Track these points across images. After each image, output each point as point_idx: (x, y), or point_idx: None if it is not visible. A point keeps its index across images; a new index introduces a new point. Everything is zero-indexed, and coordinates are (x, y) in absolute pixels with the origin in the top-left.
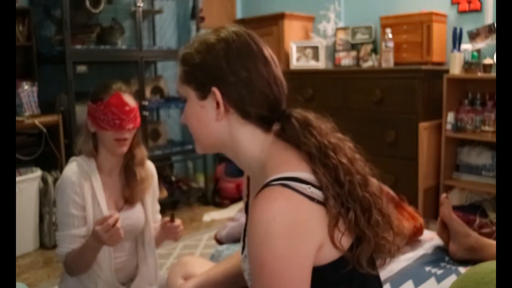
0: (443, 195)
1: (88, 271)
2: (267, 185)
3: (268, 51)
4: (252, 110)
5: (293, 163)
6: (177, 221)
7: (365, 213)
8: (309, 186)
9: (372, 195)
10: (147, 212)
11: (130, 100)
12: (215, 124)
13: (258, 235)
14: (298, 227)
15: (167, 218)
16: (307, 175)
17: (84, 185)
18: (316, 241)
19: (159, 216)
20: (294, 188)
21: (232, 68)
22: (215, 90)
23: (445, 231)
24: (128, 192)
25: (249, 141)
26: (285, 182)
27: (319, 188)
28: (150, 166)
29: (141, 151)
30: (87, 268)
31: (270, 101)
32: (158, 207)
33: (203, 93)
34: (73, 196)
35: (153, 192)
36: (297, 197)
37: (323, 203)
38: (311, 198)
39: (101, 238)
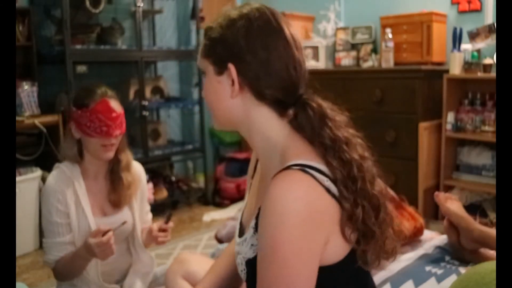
0: (435, 194)
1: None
2: (288, 168)
3: (290, 31)
4: (267, 92)
5: (312, 154)
6: (170, 224)
7: (374, 210)
8: (327, 179)
9: (379, 194)
10: (135, 215)
11: (116, 106)
12: (230, 101)
13: (276, 213)
14: (315, 215)
15: (163, 223)
16: (324, 167)
17: (67, 192)
18: (326, 235)
19: (149, 216)
20: (316, 178)
21: (251, 47)
22: (231, 66)
23: (452, 227)
24: (114, 196)
25: (264, 123)
26: (307, 169)
27: (333, 182)
28: (138, 169)
29: (127, 156)
30: (78, 275)
31: (287, 84)
32: (147, 207)
33: (220, 69)
34: (56, 204)
35: (141, 194)
36: (319, 186)
37: (336, 198)
38: (328, 191)
39: (93, 251)
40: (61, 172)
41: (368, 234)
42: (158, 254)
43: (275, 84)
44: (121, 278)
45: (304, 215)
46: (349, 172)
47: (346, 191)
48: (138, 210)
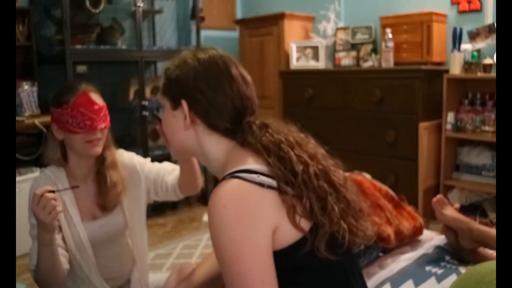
0: (433, 202)
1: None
2: (222, 180)
3: (236, 71)
4: (217, 124)
5: (247, 158)
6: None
7: (320, 201)
8: (258, 175)
9: (331, 184)
10: (126, 214)
11: (97, 99)
12: (184, 132)
13: (214, 224)
14: (248, 212)
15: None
16: (258, 166)
17: None
18: (269, 223)
19: (175, 173)
20: (244, 178)
21: (199, 86)
22: (183, 103)
23: (449, 229)
24: (101, 199)
25: (215, 148)
26: (236, 174)
27: (271, 177)
28: (127, 162)
29: (112, 154)
30: (55, 277)
31: (233, 115)
32: (167, 167)
33: (175, 105)
34: None
35: (137, 186)
36: (246, 185)
37: (275, 188)
38: (261, 185)
39: (37, 215)
40: (46, 177)
41: (317, 223)
42: (158, 254)
43: (222, 116)
44: (125, 284)
45: (236, 217)
46: (291, 168)
47: (286, 185)
48: (130, 210)
